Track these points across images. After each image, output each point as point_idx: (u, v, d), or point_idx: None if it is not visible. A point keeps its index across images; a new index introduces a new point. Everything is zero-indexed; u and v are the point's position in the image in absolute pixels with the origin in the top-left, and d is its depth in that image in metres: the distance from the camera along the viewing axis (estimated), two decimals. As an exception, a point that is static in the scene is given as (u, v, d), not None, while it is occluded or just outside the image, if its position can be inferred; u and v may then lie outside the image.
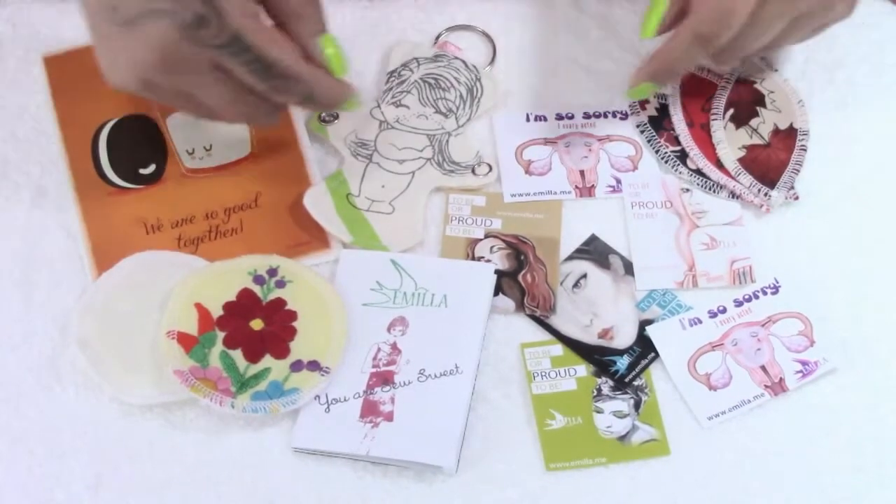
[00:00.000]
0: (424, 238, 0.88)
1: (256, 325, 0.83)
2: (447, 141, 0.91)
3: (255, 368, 0.82)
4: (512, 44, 0.95)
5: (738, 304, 0.86)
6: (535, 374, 0.83)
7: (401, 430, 0.80)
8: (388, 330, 0.84)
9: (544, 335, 0.85)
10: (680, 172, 0.90)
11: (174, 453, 0.81)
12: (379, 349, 0.83)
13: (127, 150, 0.90)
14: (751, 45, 0.84)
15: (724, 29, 0.83)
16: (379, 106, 0.92)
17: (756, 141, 0.91)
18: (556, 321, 0.85)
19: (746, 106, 0.93)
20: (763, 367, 0.84)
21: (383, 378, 0.82)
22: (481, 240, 0.88)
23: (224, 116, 0.82)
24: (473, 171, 0.90)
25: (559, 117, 0.93)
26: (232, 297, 0.84)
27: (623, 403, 0.83)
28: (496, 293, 0.86)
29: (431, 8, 0.96)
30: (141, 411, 0.82)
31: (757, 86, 0.93)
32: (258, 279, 0.85)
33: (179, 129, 0.91)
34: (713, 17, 0.82)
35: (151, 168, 0.90)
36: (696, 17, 0.83)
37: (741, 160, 0.90)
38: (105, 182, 0.89)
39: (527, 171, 0.90)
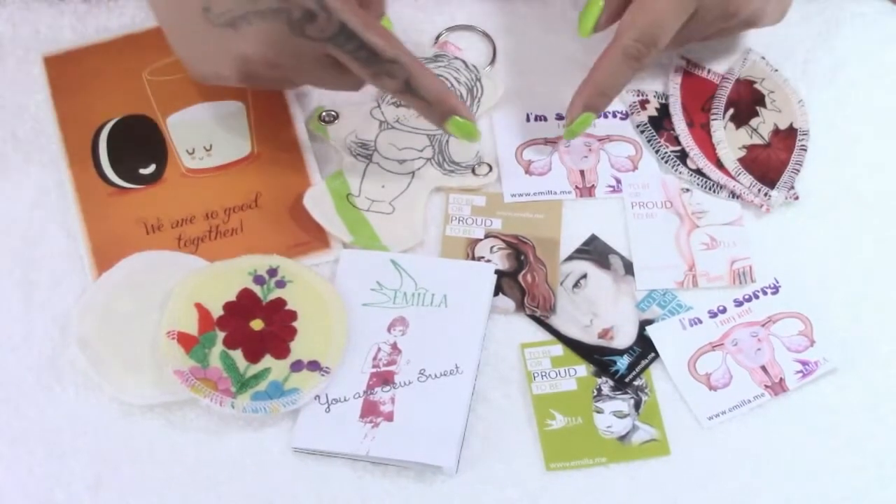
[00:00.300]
0: (424, 238, 0.88)
1: (256, 325, 0.83)
2: (447, 141, 0.91)
3: (255, 368, 0.82)
4: (512, 44, 0.95)
5: (738, 304, 0.86)
6: (536, 374, 0.83)
7: (401, 430, 0.80)
8: (389, 330, 0.84)
9: (544, 335, 0.85)
10: (680, 172, 0.90)
11: (174, 453, 0.81)
12: (379, 349, 0.83)
13: (127, 150, 0.90)
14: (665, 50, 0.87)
15: (653, 47, 0.85)
16: (379, 106, 0.92)
17: (756, 141, 0.91)
18: (556, 321, 0.85)
19: (746, 106, 0.93)
20: (763, 367, 0.84)
21: (383, 378, 0.82)
22: (481, 240, 0.88)
23: (315, 86, 0.87)
24: (473, 171, 0.90)
25: (559, 117, 0.93)
26: (232, 297, 0.84)
27: (623, 403, 0.83)
28: (496, 293, 0.86)
29: (431, 8, 0.96)
30: (141, 411, 0.82)
31: (757, 86, 0.93)
32: (258, 279, 0.85)
33: (179, 129, 0.91)
34: (642, 36, 0.84)
35: (151, 168, 0.90)
36: (625, 36, 0.84)
37: (741, 160, 0.90)
38: (105, 182, 0.89)
39: (527, 171, 0.90)
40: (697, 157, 0.91)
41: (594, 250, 0.88)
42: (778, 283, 0.86)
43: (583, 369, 0.84)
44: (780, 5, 0.89)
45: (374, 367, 0.83)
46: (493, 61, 0.95)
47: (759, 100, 0.93)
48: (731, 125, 0.92)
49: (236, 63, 0.80)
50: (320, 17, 0.77)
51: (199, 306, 0.83)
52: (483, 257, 0.87)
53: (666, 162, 0.91)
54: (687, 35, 0.87)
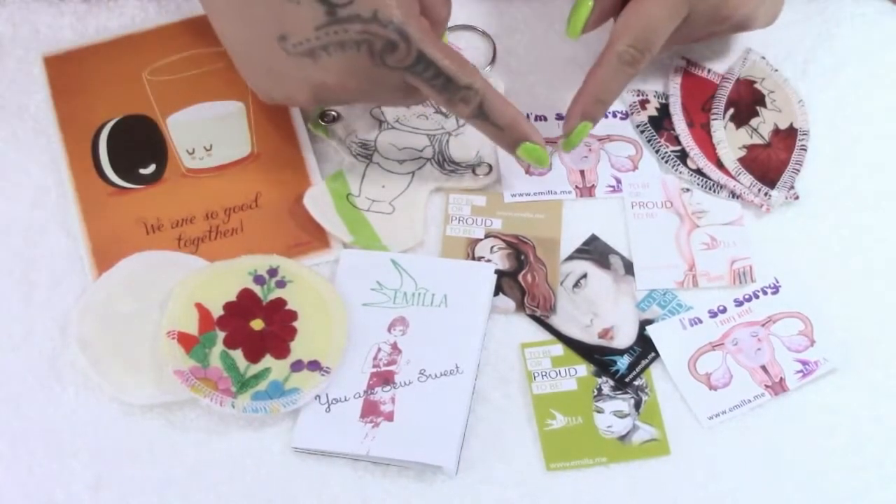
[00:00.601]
0: (424, 238, 0.88)
1: (257, 325, 0.83)
2: (447, 141, 0.91)
3: (255, 368, 0.82)
4: (512, 44, 0.95)
5: (739, 303, 0.86)
6: (536, 374, 0.83)
7: (401, 430, 0.80)
8: (389, 330, 0.84)
9: (544, 335, 0.85)
10: (680, 172, 0.90)
11: (174, 453, 0.81)
12: (379, 349, 0.83)
13: (127, 150, 0.90)
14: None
15: (647, 52, 0.85)
16: (379, 106, 0.92)
17: (756, 141, 0.91)
18: (556, 321, 0.85)
19: (746, 106, 0.93)
20: (763, 367, 0.84)
21: (383, 378, 0.82)
22: (481, 240, 0.88)
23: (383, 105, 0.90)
24: (473, 172, 0.90)
25: (559, 117, 0.93)
26: (232, 297, 0.84)
27: (623, 403, 0.83)
28: (496, 293, 0.86)
29: (431, 8, 0.96)
30: (141, 411, 0.82)
31: (757, 86, 0.93)
32: (258, 279, 0.85)
33: (179, 129, 0.91)
34: (637, 41, 0.84)
35: (151, 168, 0.90)
36: (619, 42, 0.84)
37: (741, 160, 0.90)
38: (105, 182, 0.89)
39: (527, 171, 0.90)
40: (697, 157, 0.91)
41: (594, 250, 0.88)
42: (778, 283, 0.86)
43: (583, 369, 0.84)
44: (772, 8, 0.89)
45: (374, 367, 0.83)
46: (493, 61, 0.95)
47: (760, 100, 0.93)
48: (732, 125, 0.92)
49: (312, 90, 0.81)
50: (401, 47, 0.78)
51: (199, 306, 0.83)
52: (483, 257, 0.87)
53: (666, 162, 0.91)
54: (678, 38, 0.87)
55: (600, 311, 0.86)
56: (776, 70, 0.94)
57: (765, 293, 0.86)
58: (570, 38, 0.88)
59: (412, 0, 0.79)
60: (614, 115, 0.93)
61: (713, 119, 0.92)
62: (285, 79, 0.81)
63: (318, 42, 0.78)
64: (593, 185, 0.90)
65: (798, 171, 0.90)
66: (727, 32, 0.91)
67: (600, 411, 0.82)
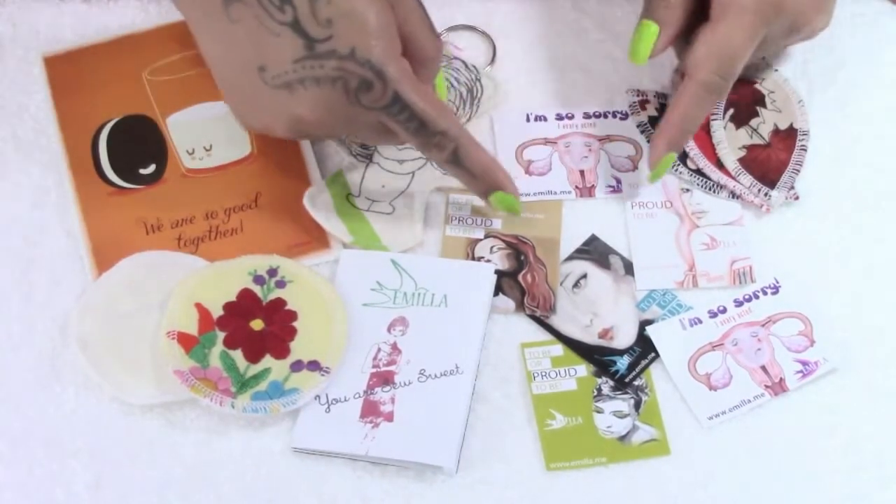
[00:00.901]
0: (424, 238, 0.88)
1: (256, 325, 0.83)
2: (447, 141, 0.91)
3: (255, 368, 0.82)
4: (512, 44, 0.95)
5: (738, 304, 0.86)
6: (535, 374, 0.83)
7: (401, 430, 0.80)
8: (389, 330, 0.84)
9: (544, 335, 0.85)
10: (680, 172, 0.90)
11: (174, 453, 0.81)
12: (379, 349, 0.83)
13: (127, 150, 0.90)
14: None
15: (732, 75, 0.84)
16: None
17: (756, 141, 0.91)
18: (556, 321, 0.85)
19: (746, 106, 0.93)
20: (763, 367, 0.84)
21: (383, 378, 0.82)
22: (481, 240, 0.88)
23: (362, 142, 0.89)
24: (473, 171, 0.90)
25: (559, 117, 0.93)
26: (232, 297, 0.84)
27: (623, 403, 0.83)
28: (496, 293, 0.86)
29: (431, 8, 0.96)
30: (141, 411, 0.82)
31: (757, 86, 0.93)
32: (258, 279, 0.85)
33: (179, 129, 0.91)
34: (721, 68, 0.84)
35: (151, 168, 0.90)
36: (703, 71, 0.84)
37: (741, 160, 0.90)
38: (105, 182, 0.89)
39: (527, 171, 0.90)
40: (697, 157, 0.91)
41: (594, 250, 0.88)
42: (778, 283, 0.86)
43: (583, 369, 0.84)
44: (829, 12, 0.89)
45: (374, 367, 0.83)
46: (493, 61, 0.95)
47: (759, 100, 0.93)
48: (731, 125, 0.92)
49: (288, 122, 0.80)
50: (376, 87, 0.77)
51: (199, 306, 0.83)
52: (483, 257, 0.87)
53: (666, 162, 0.91)
54: (754, 55, 0.87)
55: (600, 311, 0.86)
56: (776, 70, 0.94)
57: (765, 293, 0.86)
58: (636, 64, 0.87)
59: (394, 39, 0.78)
60: (614, 115, 0.93)
61: (713, 119, 0.92)
62: (263, 109, 0.80)
63: (294, 75, 0.77)
64: (593, 185, 0.90)
65: (798, 171, 0.90)
66: (793, 44, 0.91)
67: (600, 411, 0.82)
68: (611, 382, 0.83)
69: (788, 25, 0.86)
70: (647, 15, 0.86)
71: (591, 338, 0.85)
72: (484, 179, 0.82)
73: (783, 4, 0.84)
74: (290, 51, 0.76)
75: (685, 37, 0.87)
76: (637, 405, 0.83)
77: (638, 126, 0.92)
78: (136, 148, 0.90)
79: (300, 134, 0.81)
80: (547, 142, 0.92)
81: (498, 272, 0.86)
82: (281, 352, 0.82)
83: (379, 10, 0.76)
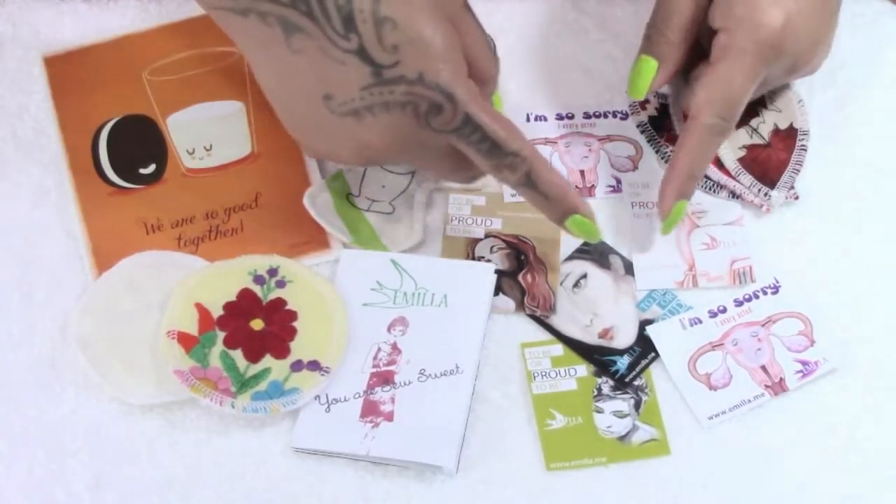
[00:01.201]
0: (424, 238, 0.88)
1: (257, 325, 0.83)
2: (447, 141, 0.91)
3: (255, 368, 0.82)
4: (512, 44, 0.95)
5: (738, 304, 0.86)
6: (536, 374, 0.83)
7: (401, 430, 0.80)
8: (389, 330, 0.84)
9: (544, 335, 0.85)
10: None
11: (174, 453, 0.81)
12: (379, 349, 0.83)
13: (127, 150, 0.90)
14: None
15: (734, 116, 0.84)
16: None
17: (756, 141, 0.91)
18: (556, 321, 0.85)
19: (746, 106, 0.92)
20: (763, 367, 0.84)
21: (383, 378, 0.82)
22: (481, 240, 0.88)
23: (431, 174, 0.87)
24: (473, 171, 0.90)
25: (559, 117, 0.93)
26: (232, 297, 0.84)
27: (623, 403, 0.83)
28: (496, 293, 0.86)
29: (431, 8, 0.96)
30: (141, 411, 0.82)
31: (757, 86, 0.93)
32: (258, 279, 0.85)
33: (179, 129, 0.91)
34: (723, 111, 0.83)
35: (151, 168, 0.90)
36: (705, 115, 0.83)
37: (741, 160, 0.90)
38: (105, 182, 0.89)
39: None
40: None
41: (594, 250, 0.88)
42: (778, 283, 0.86)
43: (583, 369, 0.84)
44: (827, 48, 0.89)
45: (374, 366, 0.83)
46: (493, 61, 0.95)
47: (759, 100, 0.93)
48: (731, 125, 0.92)
49: (356, 149, 0.78)
50: (447, 109, 0.76)
51: (199, 306, 0.83)
52: (483, 257, 0.87)
53: (666, 162, 0.91)
54: (755, 94, 0.87)
55: (600, 311, 0.86)
56: (776, 70, 0.94)
57: (765, 293, 0.86)
58: (634, 99, 0.88)
59: (460, 61, 0.76)
60: (614, 115, 0.93)
61: (713, 119, 0.92)
62: (330, 137, 0.78)
63: (362, 102, 0.75)
64: (593, 185, 0.90)
65: (798, 171, 0.90)
66: (796, 79, 0.91)
67: (600, 411, 0.82)
68: (611, 382, 0.83)
69: (789, 65, 0.86)
70: (646, 51, 0.86)
71: (591, 338, 0.85)
72: (559, 203, 0.80)
73: (783, 46, 0.83)
74: (357, 78, 0.75)
75: (683, 74, 0.87)
76: (637, 405, 0.83)
77: (638, 126, 0.92)
78: (136, 148, 0.90)
79: (367, 160, 0.80)
80: (547, 142, 0.92)
81: (498, 272, 0.86)
82: (281, 352, 0.82)
83: (445, 33, 0.75)
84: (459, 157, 0.79)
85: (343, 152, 0.79)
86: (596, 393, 0.83)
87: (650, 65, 0.86)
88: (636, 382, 0.83)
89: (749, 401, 0.82)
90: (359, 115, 0.76)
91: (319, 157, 0.83)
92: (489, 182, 0.90)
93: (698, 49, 0.87)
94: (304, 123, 0.79)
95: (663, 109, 0.93)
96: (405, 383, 0.82)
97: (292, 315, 0.84)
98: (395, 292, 0.85)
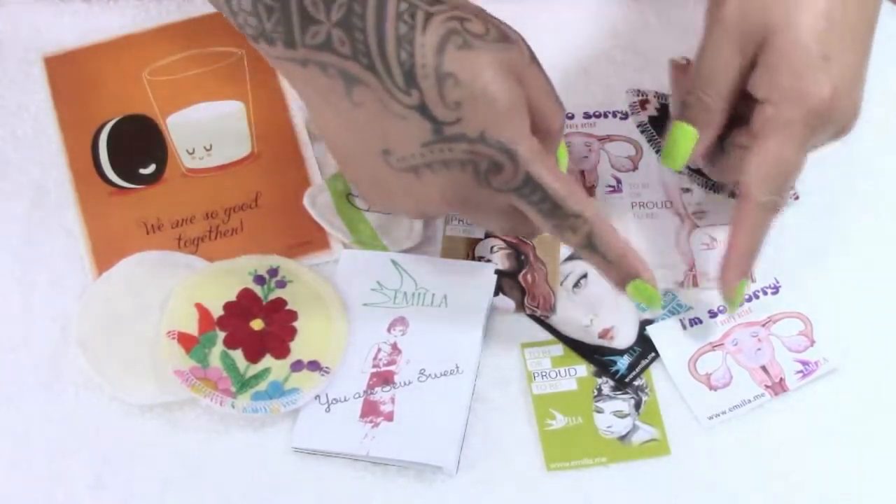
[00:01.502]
0: (424, 238, 0.88)
1: (257, 325, 0.83)
2: (447, 141, 0.91)
3: (255, 368, 0.82)
4: (512, 44, 0.95)
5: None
6: (536, 374, 0.83)
7: (401, 430, 0.80)
8: (389, 330, 0.84)
9: (544, 335, 0.85)
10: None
11: (174, 453, 0.81)
12: (379, 349, 0.83)
13: (127, 150, 0.90)
14: None
15: (788, 189, 0.81)
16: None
17: (756, 141, 0.91)
18: (556, 321, 0.85)
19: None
20: (763, 367, 0.84)
21: (383, 378, 0.82)
22: (482, 240, 0.88)
23: (491, 230, 0.86)
24: (473, 171, 0.90)
25: (559, 117, 0.93)
26: (232, 297, 0.84)
27: (623, 403, 0.83)
28: (496, 293, 0.86)
29: (432, 8, 0.96)
30: (141, 411, 0.82)
31: (757, 86, 0.93)
32: (258, 279, 0.85)
33: (179, 129, 0.91)
34: (777, 188, 0.80)
35: (151, 168, 0.90)
36: (759, 193, 0.80)
37: (741, 160, 0.90)
38: (105, 182, 0.89)
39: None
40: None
41: (594, 250, 0.88)
42: (778, 283, 0.86)
43: (583, 369, 0.84)
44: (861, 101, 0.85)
45: (374, 367, 0.83)
46: (493, 61, 0.94)
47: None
48: (732, 125, 0.92)
49: (415, 205, 0.77)
50: (507, 168, 0.73)
51: (199, 306, 0.83)
52: (483, 257, 0.87)
53: (666, 162, 0.91)
54: None
55: (600, 311, 0.86)
56: (776, 70, 0.94)
57: (765, 293, 0.86)
58: (672, 169, 0.85)
59: (523, 118, 0.74)
60: (614, 115, 0.93)
61: (713, 119, 0.92)
62: (388, 191, 0.77)
63: (422, 159, 0.74)
64: (593, 185, 0.90)
65: (798, 171, 0.90)
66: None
67: (600, 411, 0.82)
68: (611, 382, 0.83)
69: (835, 132, 0.82)
70: (683, 117, 0.82)
71: (591, 338, 0.85)
72: (620, 266, 0.77)
73: (831, 115, 0.80)
74: (418, 134, 0.73)
75: (719, 141, 0.84)
76: (637, 405, 0.83)
77: (638, 126, 0.92)
78: (136, 148, 0.90)
79: (426, 215, 0.79)
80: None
81: (498, 272, 0.86)
82: (281, 352, 0.82)
83: (509, 89, 0.73)
84: (520, 214, 0.77)
85: (402, 207, 0.78)
86: (596, 393, 0.83)
87: (689, 133, 0.82)
88: (636, 382, 0.83)
89: (749, 401, 0.82)
90: (418, 172, 0.74)
91: (378, 210, 0.83)
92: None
93: (734, 115, 0.83)
94: (363, 176, 0.78)
95: (663, 109, 0.93)
96: (405, 383, 0.82)
97: (292, 315, 0.84)
98: (395, 292, 0.85)
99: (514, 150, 0.73)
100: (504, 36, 0.74)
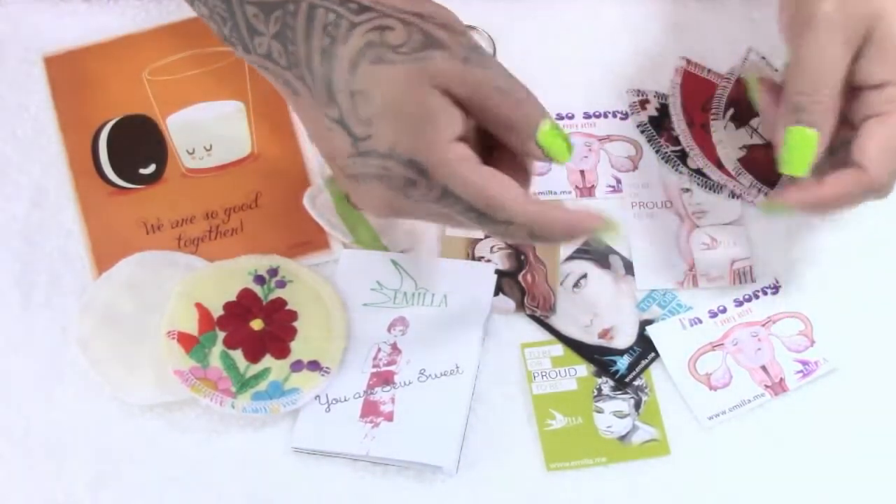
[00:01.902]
0: (424, 238, 0.88)
1: (257, 325, 0.83)
2: (447, 141, 0.91)
3: (255, 368, 0.82)
4: (512, 44, 0.95)
5: (739, 304, 0.86)
6: (536, 374, 0.83)
7: (401, 430, 0.80)
8: (389, 330, 0.84)
9: (544, 335, 0.85)
10: (680, 172, 0.90)
11: (174, 453, 0.81)
12: (379, 349, 0.83)
13: (127, 150, 0.90)
14: None
15: None
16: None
17: (756, 141, 0.91)
18: (556, 321, 0.85)
19: (747, 105, 0.92)
20: (763, 367, 0.84)
21: (383, 378, 0.82)
22: (481, 240, 0.88)
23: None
24: (473, 171, 0.90)
25: (559, 117, 0.93)
26: (232, 297, 0.84)
27: (623, 403, 0.83)
28: (496, 293, 0.86)
29: (431, 8, 0.96)
30: (141, 411, 0.82)
31: (757, 86, 0.93)
32: (258, 279, 0.85)
33: (179, 129, 0.91)
34: (891, 180, 0.79)
35: (151, 168, 0.90)
36: (874, 168, 0.78)
37: (741, 160, 0.90)
38: (105, 182, 0.89)
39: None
40: (697, 157, 0.91)
41: (594, 250, 0.88)
42: (778, 283, 0.86)
43: (583, 369, 0.84)
44: None
45: (374, 367, 0.83)
46: (493, 61, 0.94)
47: (760, 100, 0.92)
48: (732, 125, 0.92)
49: (370, 208, 0.76)
50: (421, 183, 0.73)
51: (199, 306, 0.83)
52: (483, 257, 0.87)
53: (666, 162, 0.91)
54: None
55: (600, 311, 0.86)
56: (776, 70, 0.94)
57: (765, 293, 0.86)
58: (797, 176, 0.80)
59: (439, 129, 0.72)
60: (614, 115, 0.93)
61: (713, 119, 0.92)
62: (351, 193, 0.77)
63: (353, 169, 0.74)
64: (593, 185, 0.90)
65: (798, 171, 0.90)
66: None
67: (600, 411, 0.82)
68: (611, 382, 0.83)
69: None
70: (799, 121, 0.79)
71: (591, 338, 0.85)
72: (575, 238, 0.76)
73: None
74: (343, 146, 0.74)
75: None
76: (637, 405, 0.83)
77: (638, 126, 0.92)
78: (136, 148, 0.90)
79: (384, 217, 0.78)
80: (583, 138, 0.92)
81: (498, 272, 0.86)
82: (281, 352, 0.82)
83: (420, 103, 0.72)
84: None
85: (366, 209, 0.78)
86: (596, 393, 0.83)
87: (810, 137, 0.78)
88: (636, 382, 0.83)
89: (749, 401, 0.82)
90: (356, 179, 0.75)
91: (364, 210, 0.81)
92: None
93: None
94: (340, 179, 0.78)
95: (663, 109, 0.93)
96: (405, 383, 0.82)
97: (292, 315, 0.84)
98: (395, 292, 0.85)
99: (424, 166, 0.72)
100: (428, 42, 0.73)
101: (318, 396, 0.82)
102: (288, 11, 0.73)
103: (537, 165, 0.84)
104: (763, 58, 0.94)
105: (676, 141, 0.91)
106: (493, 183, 0.73)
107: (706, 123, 0.92)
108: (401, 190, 0.73)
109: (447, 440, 0.80)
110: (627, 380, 0.83)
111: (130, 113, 0.91)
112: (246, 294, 0.84)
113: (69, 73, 0.92)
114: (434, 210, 0.75)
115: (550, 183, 0.90)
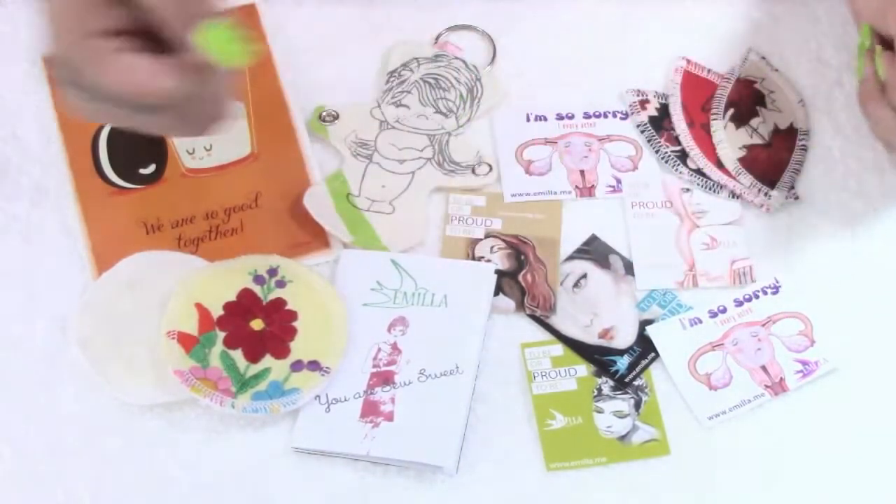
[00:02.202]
0: (424, 238, 0.88)
1: (257, 325, 0.83)
2: (447, 141, 0.91)
3: (255, 368, 0.82)
4: (512, 44, 0.95)
5: (739, 304, 0.86)
6: (536, 374, 0.83)
7: (401, 430, 0.80)
8: (389, 330, 0.84)
9: (544, 335, 0.85)
10: (680, 172, 0.90)
11: (174, 453, 0.81)
12: (379, 349, 0.83)
13: (127, 150, 0.90)
14: None
15: None
16: (379, 106, 0.92)
17: (756, 141, 0.91)
18: (556, 321, 0.85)
19: (747, 106, 0.93)
20: (763, 367, 0.84)
21: (383, 378, 0.82)
22: (481, 240, 0.88)
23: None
24: (473, 171, 0.90)
25: (559, 117, 0.93)
26: (232, 297, 0.84)
27: (623, 403, 0.83)
28: (496, 293, 0.86)
29: (432, 8, 0.96)
30: (141, 411, 0.82)
31: (757, 85, 0.93)
32: (258, 279, 0.85)
33: (179, 129, 0.91)
34: None
35: (151, 168, 0.90)
36: None
37: (741, 160, 0.90)
38: (105, 182, 0.89)
39: (527, 171, 0.90)
40: (697, 157, 0.91)
41: (594, 250, 0.88)
42: (778, 283, 0.86)
43: (583, 369, 0.84)
44: None
45: (374, 366, 0.83)
46: (493, 61, 0.95)
47: (760, 100, 0.93)
48: (732, 125, 0.92)
49: (76, 116, 0.76)
50: (82, 82, 0.72)
51: (199, 306, 0.83)
52: (483, 257, 0.87)
53: (666, 162, 0.91)
54: None
55: (600, 311, 0.86)
56: (776, 70, 0.94)
57: (765, 293, 0.86)
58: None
59: (90, 21, 0.71)
60: (614, 115, 0.93)
61: (713, 119, 0.92)
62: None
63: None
64: (593, 185, 0.90)
65: (798, 171, 0.90)
66: None
67: (600, 411, 0.82)
68: (611, 382, 0.83)
69: None
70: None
71: (591, 338, 0.85)
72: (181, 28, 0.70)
73: None
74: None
75: None
76: (637, 405, 0.83)
77: (638, 126, 0.92)
78: (136, 148, 0.90)
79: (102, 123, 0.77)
80: (547, 141, 0.92)
81: (498, 272, 0.86)
82: (281, 352, 0.82)
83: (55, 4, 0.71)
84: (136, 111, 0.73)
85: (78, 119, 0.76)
86: (596, 393, 0.83)
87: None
88: (636, 382, 0.83)
89: (749, 401, 0.82)
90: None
91: None
92: (489, 182, 0.90)
93: None
94: None
95: (663, 109, 0.93)
96: (405, 383, 0.82)
97: (292, 315, 0.84)
98: (395, 292, 0.85)
99: (75, 63, 0.71)
100: None
101: (318, 396, 0.82)
102: None
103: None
104: (763, 58, 0.94)
105: (676, 141, 0.92)
106: (116, 63, 0.71)
107: (706, 123, 0.92)
108: (74, 91, 0.73)
109: (447, 440, 0.80)
110: (627, 380, 0.83)
111: (130, 113, 0.91)
112: (246, 294, 0.84)
113: (69, 73, 0.92)
114: (109, 110, 0.73)
115: (550, 183, 0.90)
